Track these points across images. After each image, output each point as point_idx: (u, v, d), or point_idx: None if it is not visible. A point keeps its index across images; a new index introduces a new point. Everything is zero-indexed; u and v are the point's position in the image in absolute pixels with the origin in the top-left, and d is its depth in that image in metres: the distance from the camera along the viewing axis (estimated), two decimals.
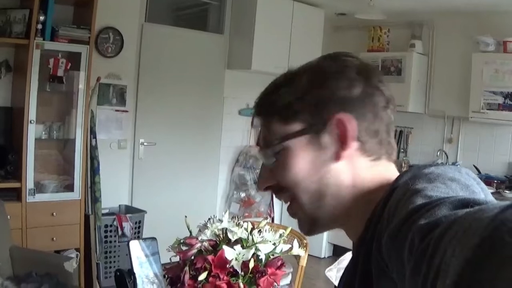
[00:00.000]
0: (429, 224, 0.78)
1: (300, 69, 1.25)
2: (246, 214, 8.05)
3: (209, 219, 2.87)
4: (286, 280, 3.05)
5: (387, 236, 0.91)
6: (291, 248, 2.91)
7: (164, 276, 1.96)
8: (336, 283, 4.41)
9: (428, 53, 8.11)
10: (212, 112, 8.00)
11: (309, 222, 1.24)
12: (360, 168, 1.18)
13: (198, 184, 7.92)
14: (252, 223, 2.91)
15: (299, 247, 3.02)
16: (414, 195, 0.92)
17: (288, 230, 3.01)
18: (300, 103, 1.19)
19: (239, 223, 2.84)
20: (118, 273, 1.75)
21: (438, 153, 7.97)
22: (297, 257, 3.97)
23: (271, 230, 2.89)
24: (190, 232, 2.87)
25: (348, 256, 4.73)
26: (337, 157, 1.15)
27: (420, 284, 0.73)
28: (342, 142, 1.15)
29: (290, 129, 1.19)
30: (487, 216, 0.64)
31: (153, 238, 1.85)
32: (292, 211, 1.26)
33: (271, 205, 8.58)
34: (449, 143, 7.95)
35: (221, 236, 2.81)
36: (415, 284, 0.75)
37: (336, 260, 5.11)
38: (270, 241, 2.78)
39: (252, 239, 2.73)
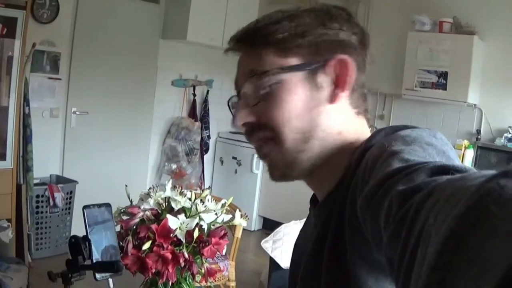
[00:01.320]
0: (408, 189, 0.76)
1: (303, 9, 1.23)
2: (177, 185, 8.00)
3: (150, 187, 2.87)
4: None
5: (362, 199, 0.90)
6: (232, 218, 2.93)
7: (119, 243, 1.95)
8: (272, 254, 4.46)
9: None
10: (145, 82, 7.92)
11: (285, 166, 1.21)
12: (347, 117, 1.20)
13: (129, 154, 7.87)
14: (195, 193, 2.92)
15: (240, 217, 3.04)
16: (391, 157, 0.91)
17: (230, 199, 3.02)
18: (302, 38, 1.18)
19: (182, 191, 2.84)
20: (72, 240, 1.73)
21: (370, 129, 8.03)
22: (232, 229, 3.99)
23: (212, 200, 2.90)
24: (131, 201, 2.86)
25: (283, 228, 4.78)
26: (333, 98, 1.17)
27: (399, 251, 0.71)
28: (339, 84, 1.16)
29: (287, 62, 1.17)
30: (472, 185, 0.61)
31: (108, 204, 1.83)
32: (264, 153, 1.24)
33: (201, 177, 8.60)
34: (381, 120, 8.05)
35: (164, 205, 2.80)
36: (393, 251, 0.74)
37: (266, 233, 5.16)
38: (213, 211, 2.79)
39: (196, 208, 2.74)
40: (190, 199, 2.81)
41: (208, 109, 8.58)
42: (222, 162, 8.92)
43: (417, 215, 0.70)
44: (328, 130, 1.18)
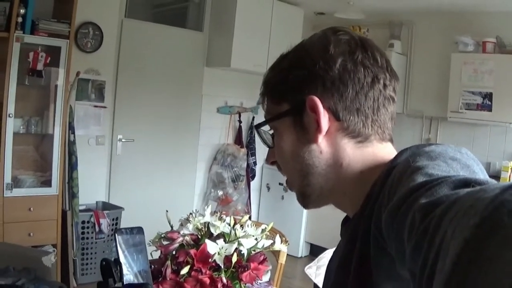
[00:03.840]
0: (430, 203, 0.78)
1: (292, 48, 1.25)
2: (224, 212, 7.99)
3: (190, 213, 2.86)
4: (265, 278, 3.04)
5: (387, 214, 0.90)
6: (273, 244, 2.91)
7: (151, 266, 1.94)
8: (316, 280, 4.42)
9: (407, 53, 8.15)
10: (190, 109, 7.96)
11: (301, 197, 1.27)
12: (344, 148, 1.17)
13: (175, 181, 7.89)
14: (234, 218, 2.91)
15: (281, 242, 3.02)
16: (415, 172, 0.91)
17: (271, 225, 3.00)
18: (284, 84, 1.20)
19: (221, 217, 2.83)
20: (103, 262, 1.73)
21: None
22: (276, 255, 3.96)
23: (252, 225, 2.88)
24: (171, 226, 2.86)
25: (327, 254, 4.73)
26: (314, 138, 1.16)
27: (420, 263, 0.73)
28: (317, 123, 1.15)
29: (279, 109, 1.22)
30: (488, 197, 0.64)
31: (140, 228, 1.83)
32: (288, 186, 1.31)
33: (248, 204, 8.57)
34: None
35: (203, 230, 2.80)
36: (415, 263, 0.75)
37: (313, 259, 5.12)
38: (252, 236, 2.77)
39: (235, 233, 2.72)
40: (229, 224, 2.80)
41: (254, 136, 8.55)
42: (268, 188, 8.90)
43: (438, 228, 0.71)
44: (323, 166, 1.19)
